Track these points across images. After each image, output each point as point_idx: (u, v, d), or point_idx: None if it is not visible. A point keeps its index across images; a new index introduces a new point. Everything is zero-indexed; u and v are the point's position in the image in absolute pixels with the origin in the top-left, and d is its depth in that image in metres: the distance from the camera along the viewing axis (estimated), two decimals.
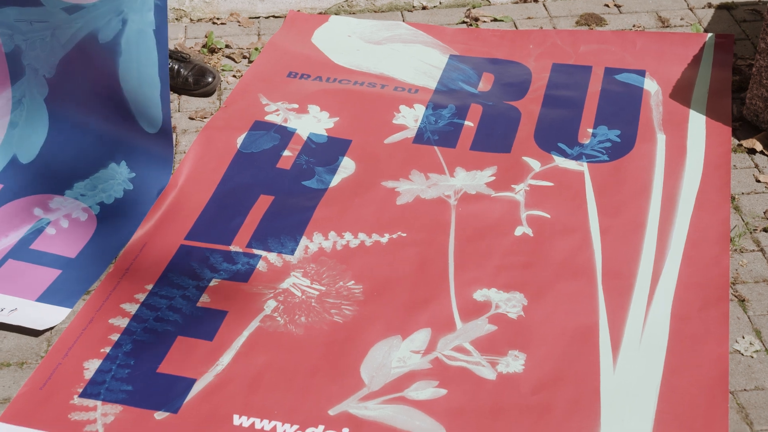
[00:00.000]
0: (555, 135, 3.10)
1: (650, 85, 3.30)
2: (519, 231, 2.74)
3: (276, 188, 2.93)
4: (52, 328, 2.54)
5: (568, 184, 2.90)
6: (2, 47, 2.95)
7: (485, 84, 3.37)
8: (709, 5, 3.78)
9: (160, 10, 2.77)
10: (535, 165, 2.97)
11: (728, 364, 2.35)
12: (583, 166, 2.96)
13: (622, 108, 3.20)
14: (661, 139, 3.05)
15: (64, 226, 2.82)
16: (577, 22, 3.73)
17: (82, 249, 2.76)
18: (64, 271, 2.69)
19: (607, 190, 2.88)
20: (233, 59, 3.59)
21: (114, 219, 2.85)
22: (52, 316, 2.56)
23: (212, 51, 3.62)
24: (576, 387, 2.31)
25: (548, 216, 2.79)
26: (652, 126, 3.11)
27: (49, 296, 2.62)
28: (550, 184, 2.90)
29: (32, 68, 2.96)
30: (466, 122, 3.17)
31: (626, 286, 2.57)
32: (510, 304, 2.53)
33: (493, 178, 2.93)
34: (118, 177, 2.94)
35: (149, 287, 2.62)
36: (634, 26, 3.69)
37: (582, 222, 2.76)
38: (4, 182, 2.94)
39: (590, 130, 3.11)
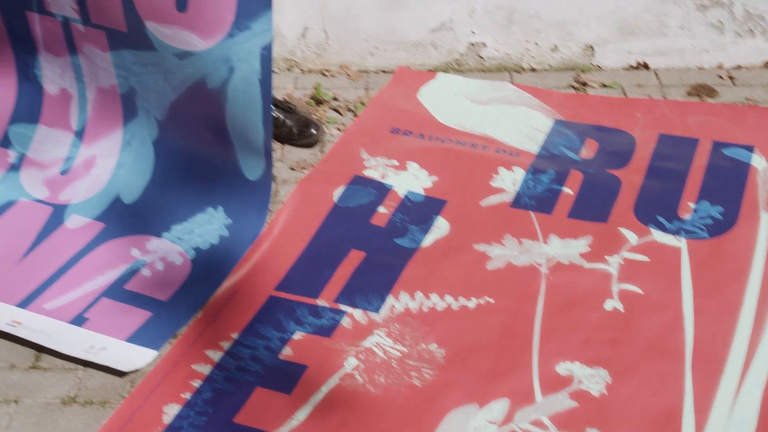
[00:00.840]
0: (654, 207, 3.04)
1: (758, 161, 3.22)
2: (609, 305, 2.69)
3: (368, 244, 2.94)
4: (137, 370, 2.58)
5: (664, 260, 2.83)
6: (118, 88, 3.05)
7: (588, 151, 3.33)
8: None
9: (266, 60, 2.82)
10: (632, 238, 2.92)
11: None
12: (681, 242, 2.90)
13: (727, 184, 3.13)
14: (764, 218, 2.97)
15: (159, 268, 2.87)
16: (688, 93, 3.67)
17: (174, 293, 2.80)
18: (154, 314, 2.73)
19: (704, 268, 2.80)
20: (339, 112, 3.63)
21: (208, 265, 2.89)
22: (138, 357, 2.60)
23: (319, 102, 3.67)
24: None
25: (641, 292, 2.73)
26: (757, 205, 3.03)
27: (137, 338, 2.66)
28: (646, 258, 2.84)
29: (145, 110, 3.05)
30: (565, 189, 3.14)
31: (716, 370, 2.49)
32: (593, 380, 2.47)
33: (588, 248, 2.89)
34: (215, 222, 2.99)
35: (235, 336, 2.64)
36: (747, 99, 3.61)
37: (675, 300, 2.70)
38: (106, 221, 3.02)
39: (692, 205, 3.04)
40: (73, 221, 3.01)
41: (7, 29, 3.08)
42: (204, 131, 2.97)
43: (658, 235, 2.93)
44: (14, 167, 3.13)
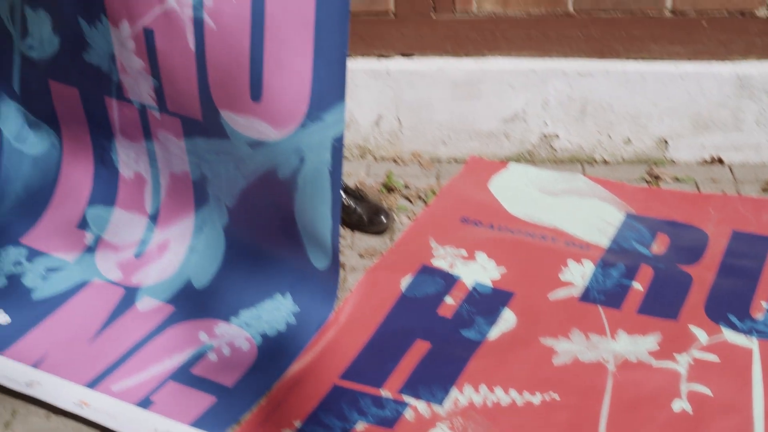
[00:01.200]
0: (726, 306, 2.99)
1: None
2: (677, 406, 2.64)
3: (434, 335, 2.93)
4: None
5: (734, 361, 2.78)
6: (190, 175, 3.11)
7: (659, 246, 3.30)
8: None
9: (337, 151, 2.85)
10: (702, 336, 2.87)
11: None
12: (752, 343, 2.84)
13: None
14: None
15: (226, 353, 2.89)
16: (763, 189, 3.63)
17: (240, 379, 2.82)
18: (219, 399, 2.75)
19: None
20: (410, 200, 3.65)
21: (274, 351, 2.91)
22: None
23: (390, 190, 3.70)
24: None
25: (710, 393, 2.67)
26: None
27: (202, 422, 2.68)
28: (716, 359, 2.79)
29: (215, 197, 3.10)
30: (635, 284, 3.11)
31: None
32: None
33: (657, 346, 2.85)
34: (283, 309, 3.01)
35: (297, 424, 2.65)
36: None
37: (745, 403, 2.64)
38: (176, 305, 3.05)
39: (764, 305, 2.99)
40: (144, 303, 3.06)
41: (86, 113, 3.17)
42: (272, 219, 3.01)
43: (729, 335, 2.88)
44: (90, 249, 3.20)
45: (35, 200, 3.29)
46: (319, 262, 2.99)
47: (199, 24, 2.78)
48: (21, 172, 3.34)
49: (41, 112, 3.26)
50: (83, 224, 3.24)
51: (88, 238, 3.22)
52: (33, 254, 3.20)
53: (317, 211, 2.91)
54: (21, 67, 3.21)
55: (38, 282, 3.12)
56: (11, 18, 3.14)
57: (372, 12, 3.84)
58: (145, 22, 2.85)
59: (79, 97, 3.15)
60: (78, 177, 3.26)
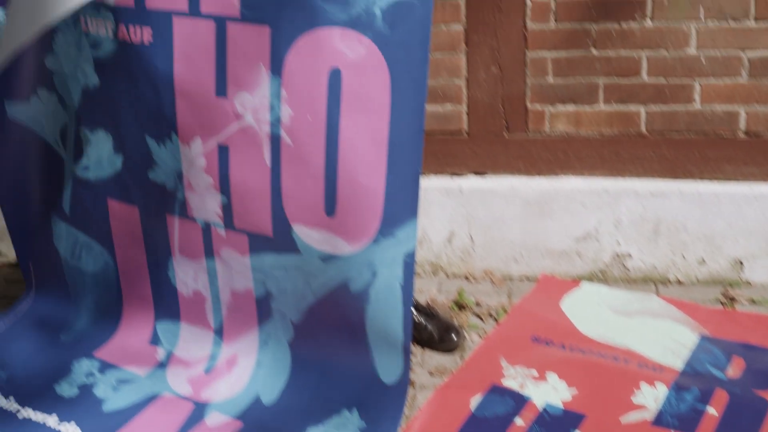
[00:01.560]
0: None
1: None
2: None
3: None
4: None
5: None
6: (253, 292, 3.12)
7: (735, 370, 3.23)
8: None
9: (408, 267, 2.86)
10: None
11: None
12: None
13: None
14: None
15: None
16: None
17: None
18: None
19: None
20: (481, 318, 3.64)
21: None
22: None
23: (461, 307, 3.69)
24: None
25: None
26: None
27: None
28: None
29: (280, 312, 3.10)
30: (709, 409, 3.04)
31: None
32: None
33: None
34: (350, 426, 2.98)
35: None
36: None
37: None
38: (245, 421, 3.04)
39: None
40: (213, 419, 3.05)
41: (144, 231, 3.20)
42: (341, 333, 3.00)
43: None
44: (162, 365, 3.22)
45: (107, 315, 3.33)
46: (388, 377, 2.97)
47: (275, 140, 2.84)
48: (86, 288, 3.40)
49: (94, 232, 3.30)
50: (155, 340, 3.27)
51: (160, 353, 3.24)
52: (105, 367, 3.23)
53: (388, 325, 2.90)
54: (73, 188, 3.26)
55: (109, 393, 3.14)
56: (62, 142, 3.21)
57: (446, 131, 3.89)
58: (220, 138, 2.92)
59: (138, 216, 3.18)
60: (140, 294, 3.29)
